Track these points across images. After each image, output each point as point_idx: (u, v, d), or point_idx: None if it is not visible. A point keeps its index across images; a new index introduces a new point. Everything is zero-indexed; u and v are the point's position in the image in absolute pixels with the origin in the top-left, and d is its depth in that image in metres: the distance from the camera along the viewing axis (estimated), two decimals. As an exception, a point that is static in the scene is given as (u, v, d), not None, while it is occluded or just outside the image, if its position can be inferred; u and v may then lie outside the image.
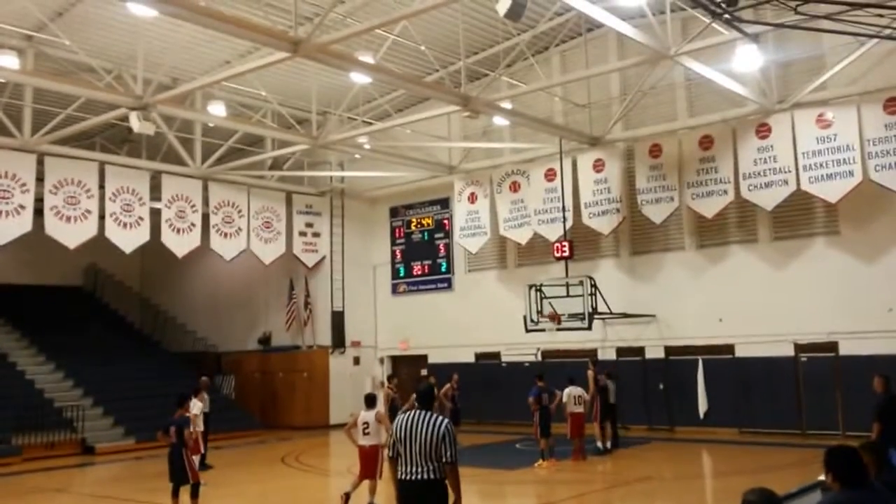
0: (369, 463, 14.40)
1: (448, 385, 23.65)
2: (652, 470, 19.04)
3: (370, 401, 14.89)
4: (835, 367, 21.92)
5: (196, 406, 18.30)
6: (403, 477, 7.87)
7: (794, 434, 21.99)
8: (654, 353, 25.15)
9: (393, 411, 20.38)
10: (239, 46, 22.71)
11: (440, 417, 7.99)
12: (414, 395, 20.64)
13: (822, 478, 8.35)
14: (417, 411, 8.03)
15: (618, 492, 17.18)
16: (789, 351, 22.75)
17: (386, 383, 23.57)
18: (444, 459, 7.74)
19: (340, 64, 19.14)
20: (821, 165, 21.52)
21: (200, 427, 18.39)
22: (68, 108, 22.77)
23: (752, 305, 23.14)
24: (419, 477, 7.78)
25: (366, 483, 14.42)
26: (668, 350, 24.87)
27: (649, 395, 24.76)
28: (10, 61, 20.72)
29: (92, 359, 28.36)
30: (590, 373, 21.21)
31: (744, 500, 5.38)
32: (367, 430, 14.45)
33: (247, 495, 17.63)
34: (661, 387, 24.75)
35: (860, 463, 5.96)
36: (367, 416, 14.57)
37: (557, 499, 16.63)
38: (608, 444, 20.93)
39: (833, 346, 22.03)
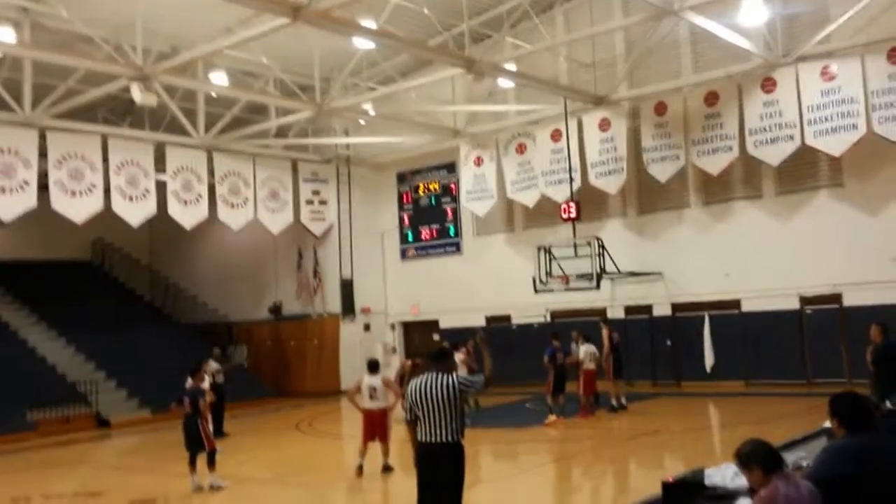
0: (380, 426, 14.62)
1: (464, 349, 23.19)
2: (660, 424, 19.19)
3: (373, 366, 15.12)
4: (839, 317, 22.01)
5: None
6: (423, 440, 7.99)
7: (800, 384, 22.16)
8: (662, 310, 25.28)
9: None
10: (239, 13, 22.46)
11: (450, 376, 8.06)
12: (408, 361, 20.94)
13: (826, 424, 8.43)
14: (432, 373, 8.09)
15: (627, 445, 17.36)
16: (794, 304, 22.90)
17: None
18: (476, 388, 8.34)
19: (342, 29, 19.11)
20: (825, 119, 21.47)
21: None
22: (68, 80, 22.70)
23: (757, 260, 23.26)
24: (438, 440, 7.92)
25: (374, 448, 14.57)
26: (675, 307, 24.99)
27: (657, 352, 24.90)
28: (6, 34, 20.50)
29: (103, 333, 28.46)
30: (604, 331, 21.37)
31: (736, 452, 5.45)
32: (374, 395, 14.68)
33: (263, 461, 17.83)
34: (669, 343, 24.88)
35: (865, 408, 6.00)
36: (373, 380, 14.81)
37: (569, 453, 16.79)
38: (623, 401, 21.04)
39: (837, 298, 22.18)
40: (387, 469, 14.52)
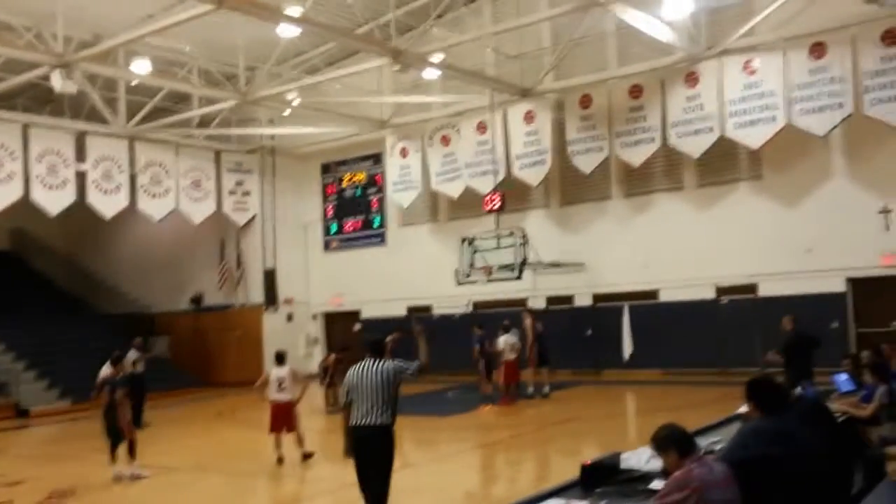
0: (288, 417, 14.64)
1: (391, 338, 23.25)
2: (579, 411, 19.49)
3: (280, 358, 15.15)
4: (754, 307, 22.51)
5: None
6: (356, 423, 8.41)
7: (715, 373, 22.51)
8: (583, 300, 25.70)
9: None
10: (164, 0, 22.32)
11: (385, 361, 8.53)
12: (331, 355, 21.10)
13: (739, 410, 8.66)
14: (368, 360, 8.56)
15: (547, 431, 17.62)
16: (711, 294, 23.44)
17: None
18: (412, 373, 8.60)
19: (266, 15, 18.99)
20: (745, 112, 21.88)
21: None
22: (-12, 68, 22.31)
23: (676, 251, 23.73)
24: (369, 422, 8.35)
25: (288, 438, 14.63)
26: (596, 297, 25.40)
27: (577, 342, 25.15)
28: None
29: (22, 323, 27.98)
30: (527, 321, 21.56)
31: (652, 437, 5.60)
32: (283, 386, 14.69)
33: (184, 450, 17.70)
34: (589, 333, 25.21)
35: (780, 392, 6.22)
36: (281, 372, 14.85)
37: (489, 440, 16.96)
38: (546, 390, 21.28)
39: (753, 288, 22.81)
40: (306, 456, 14.56)
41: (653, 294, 24.28)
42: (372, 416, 8.35)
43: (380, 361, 8.54)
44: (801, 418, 6.23)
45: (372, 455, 8.45)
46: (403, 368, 8.58)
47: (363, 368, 8.51)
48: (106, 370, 16.87)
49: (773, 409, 5.93)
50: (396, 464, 8.76)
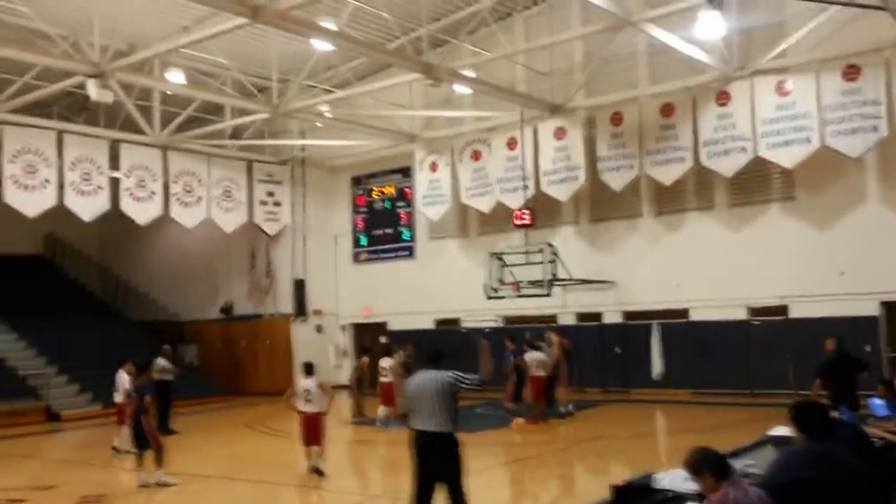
0: (314, 430, 14.48)
1: (400, 354, 23.29)
2: (607, 429, 19.40)
3: (308, 369, 15.04)
4: (786, 329, 22.35)
5: (126, 379, 17.81)
6: (417, 428, 8.86)
7: (745, 394, 22.45)
8: (613, 318, 25.54)
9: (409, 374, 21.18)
10: (197, 12, 22.45)
11: (445, 373, 8.93)
12: (365, 359, 21.39)
13: (772, 432, 8.60)
14: (428, 370, 9.01)
15: (576, 450, 17.57)
16: (742, 314, 23.24)
17: (402, 352, 23.31)
18: (468, 385, 8.94)
19: (301, 30, 19.06)
20: (778, 133, 21.74)
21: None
22: (25, 76, 22.52)
23: (707, 271, 23.54)
24: (429, 428, 8.78)
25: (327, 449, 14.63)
26: (626, 315, 25.27)
27: (606, 359, 25.09)
28: (-36, 29, 20.48)
29: (54, 327, 28.33)
30: (554, 338, 21.44)
31: (686, 460, 5.59)
32: (309, 398, 14.56)
33: (211, 458, 17.83)
34: (618, 351, 25.12)
35: (825, 416, 6.18)
36: (308, 383, 14.72)
37: (517, 457, 16.90)
38: (570, 408, 21.22)
39: (784, 310, 22.56)
40: (317, 472, 14.46)
41: (683, 313, 24.14)
42: (431, 423, 8.74)
43: (439, 372, 8.92)
44: (843, 442, 6.21)
45: (436, 463, 8.83)
46: (462, 379, 8.92)
47: (423, 379, 8.94)
48: (123, 375, 17.21)
49: (816, 432, 5.91)
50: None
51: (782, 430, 7.60)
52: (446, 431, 8.79)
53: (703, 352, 23.39)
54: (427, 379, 8.91)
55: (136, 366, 15.73)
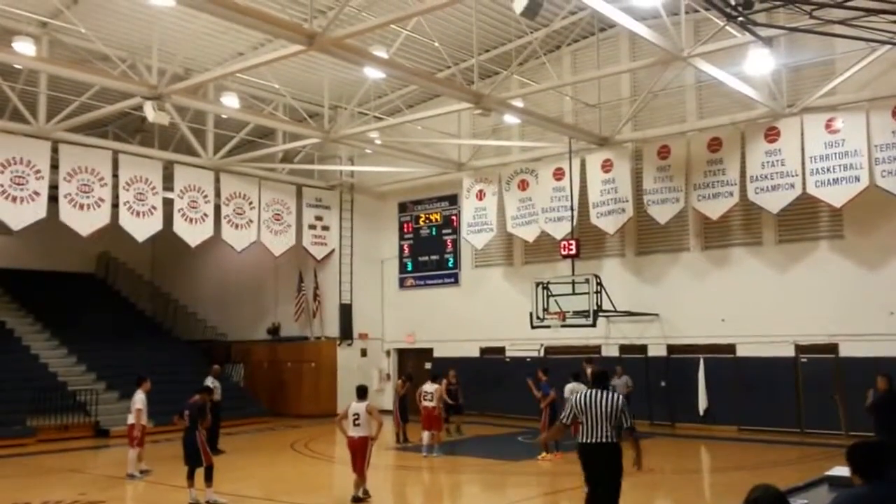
0: (359, 455, 14.30)
1: (444, 381, 23.39)
2: (653, 463, 19.26)
3: (362, 392, 14.89)
4: (835, 368, 22.19)
5: (139, 399, 18.03)
6: (585, 440, 9.81)
7: (793, 433, 22.26)
8: (657, 351, 25.45)
9: (451, 397, 23.19)
10: (252, 38, 22.98)
11: (617, 394, 10.10)
12: (399, 381, 21.73)
13: (829, 472, 8.58)
14: (595, 389, 9.99)
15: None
16: (790, 352, 23.04)
17: (445, 379, 23.58)
18: (624, 426, 9.80)
19: (354, 58, 19.35)
20: (827, 170, 21.67)
21: (144, 421, 18.16)
22: (83, 95, 23.03)
23: (754, 307, 23.41)
24: (598, 440, 9.74)
25: (373, 474, 14.70)
26: (671, 348, 25.18)
27: (651, 392, 25.00)
28: (25, 48, 20.98)
29: (105, 344, 28.90)
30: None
31: (748, 498, 5.60)
32: (357, 422, 14.34)
33: (258, 479, 17.99)
34: (663, 384, 25.05)
35: (883, 458, 6.15)
36: (359, 407, 14.47)
37: (557, 489, 16.90)
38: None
39: (833, 348, 22.32)
40: (358, 500, 14.38)
41: (730, 348, 23.98)
42: (600, 436, 9.70)
43: (606, 391, 9.93)
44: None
45: (602, 468, 9.77)
46: (627, 412, 9.87)
47: (592, 395, 9.86)
48: (140, 394, 17.59)
49: (874, 475, 5.89)
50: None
51: (841, 470, 7.59)
52: (611, 442, 9.73)
53: (749, 388, 23.27)
54: (597, 397, 9.80)
55: (198, 392, 15.87)
